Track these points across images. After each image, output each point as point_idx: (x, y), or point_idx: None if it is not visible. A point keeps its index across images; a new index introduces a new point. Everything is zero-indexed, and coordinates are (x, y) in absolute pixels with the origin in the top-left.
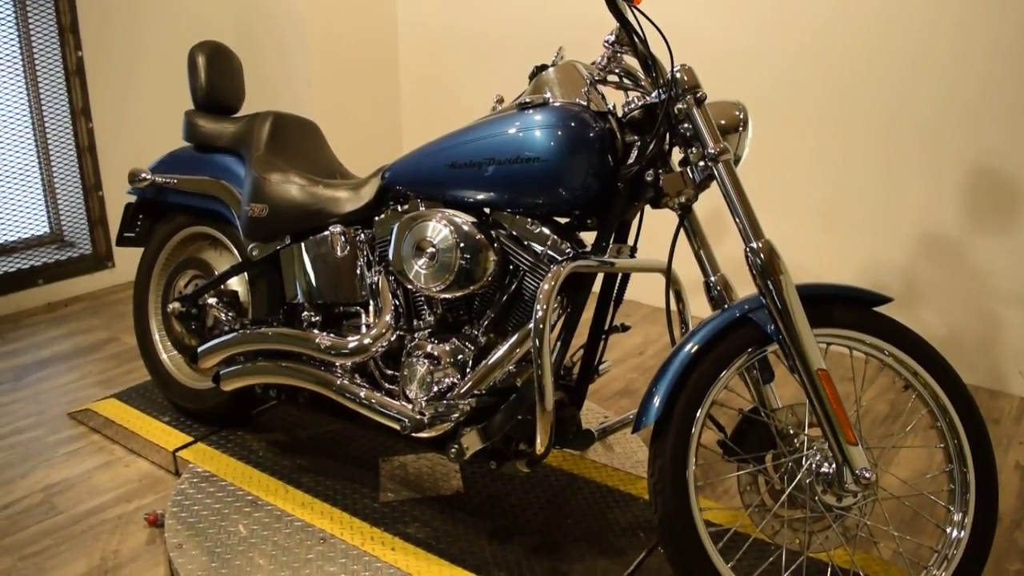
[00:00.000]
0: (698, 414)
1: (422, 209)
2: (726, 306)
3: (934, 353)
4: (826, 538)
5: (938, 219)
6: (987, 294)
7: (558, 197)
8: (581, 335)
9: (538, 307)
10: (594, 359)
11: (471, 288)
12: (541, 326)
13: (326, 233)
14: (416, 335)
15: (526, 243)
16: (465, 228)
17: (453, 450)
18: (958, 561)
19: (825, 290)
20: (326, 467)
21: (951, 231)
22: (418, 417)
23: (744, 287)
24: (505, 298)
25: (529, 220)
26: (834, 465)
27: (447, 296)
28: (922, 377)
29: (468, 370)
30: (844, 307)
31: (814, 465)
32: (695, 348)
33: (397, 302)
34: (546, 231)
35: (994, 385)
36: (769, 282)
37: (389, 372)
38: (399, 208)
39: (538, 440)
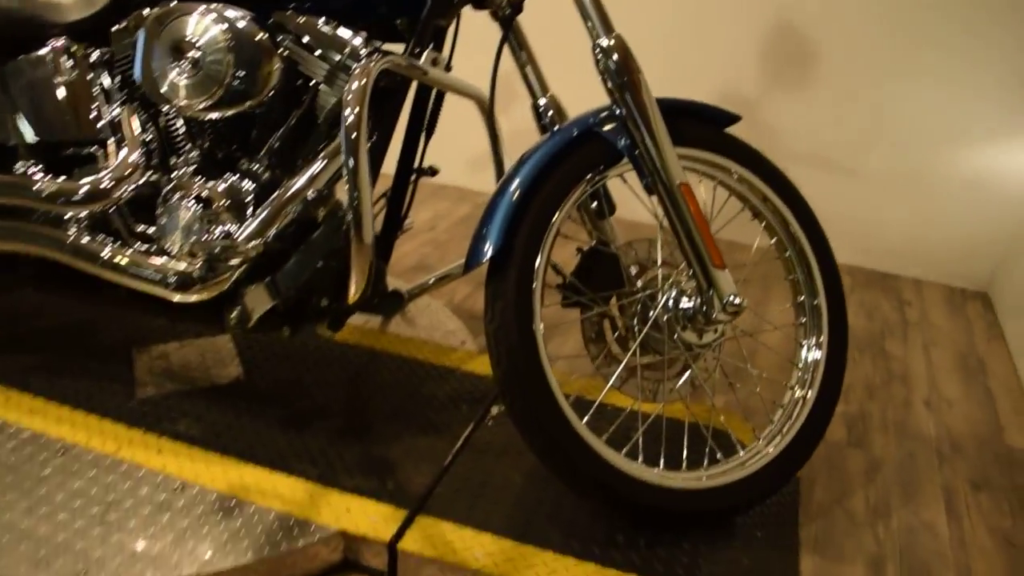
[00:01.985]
0: (543, 245)
1: (176, 3)
2: (572, 122)
3: (784, 179)
4: (680, 384)
5: (738, 77)
6: (782, 154)
7: None
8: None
9: (348, 112)
10: (402, 205)
11: (247, 104)
12: (354, 135)
13: (45, 50)
14: (175, 176)
15: (319, 50)
16: (240, 24)
17: (234, 316)
18: (820, 380)
19: (670, 105)
20: (63, 365)
21: (749, 90)
22: (185, 270)
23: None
24: (293, 121)
25: (322, 21)
26: (696, 297)
27: (215, 116)
28: (772, 203)
29: (248, 213)
30: (692, 125)
31: (671, 300)
32: (534, 172)
33: (147, 137)
34: (344, 34)
35: None
36: (624, 83)
37: (141, 229)
38: (145, 12)
39: (353, 284)
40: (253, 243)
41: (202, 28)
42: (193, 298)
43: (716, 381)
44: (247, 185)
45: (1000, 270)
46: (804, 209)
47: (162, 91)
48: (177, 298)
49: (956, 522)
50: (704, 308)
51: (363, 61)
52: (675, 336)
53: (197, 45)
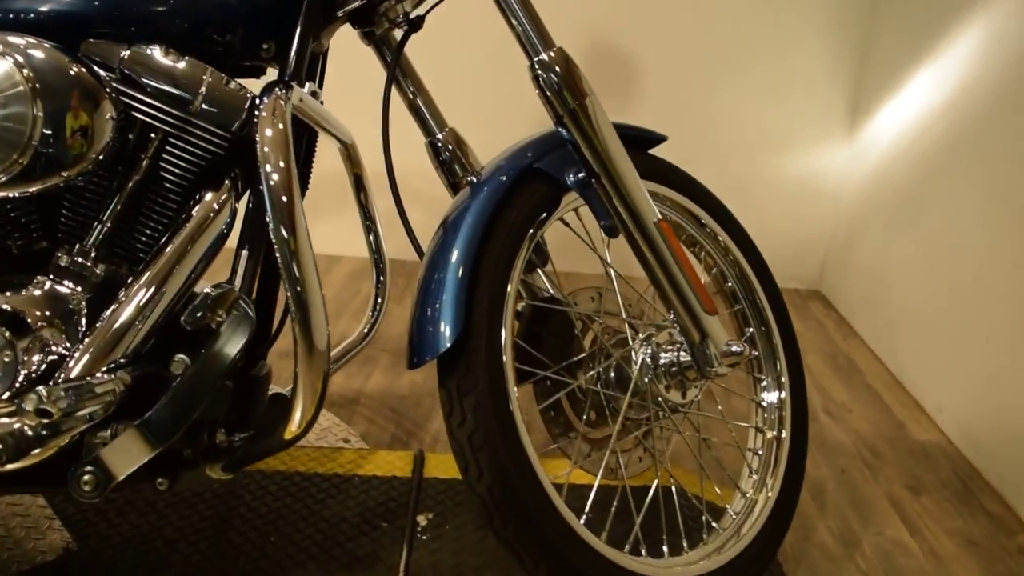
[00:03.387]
0: (504, 318)
1: None
2: (502, 160)
3: (717, 201)
4: (663, 451)
5: None
6: None
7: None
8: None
9: (272, 167)
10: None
11: (65, 175)
12: (285, 197)
13: None
14: None
15: (163, 87)
16: (42, 57)
17: (87, 479)
18: (790, 415)
19: None
20: None
21: None
22: (18, 426)
23: None
24: (128, 191)
25: (156, 51)
26: (679, 350)
27: (14, 195)
28: (709, 227)
29: (82, 327)
30: None
31: (650, 359)
32: (476, 231)
33: None
34: (200, 65)
35: None
36: (572, 103)
37: None
38: None
39: (298, 412)
40: (99, 381)
41: None
42: (22, 464)
43: (690, 440)
44: (71, 291)
45: (828, 266)
46: (741, 232)
47: None
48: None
49: (918, 534)
50: (698, 362)
51: (272, 98)
52: (658, 398)
53: None
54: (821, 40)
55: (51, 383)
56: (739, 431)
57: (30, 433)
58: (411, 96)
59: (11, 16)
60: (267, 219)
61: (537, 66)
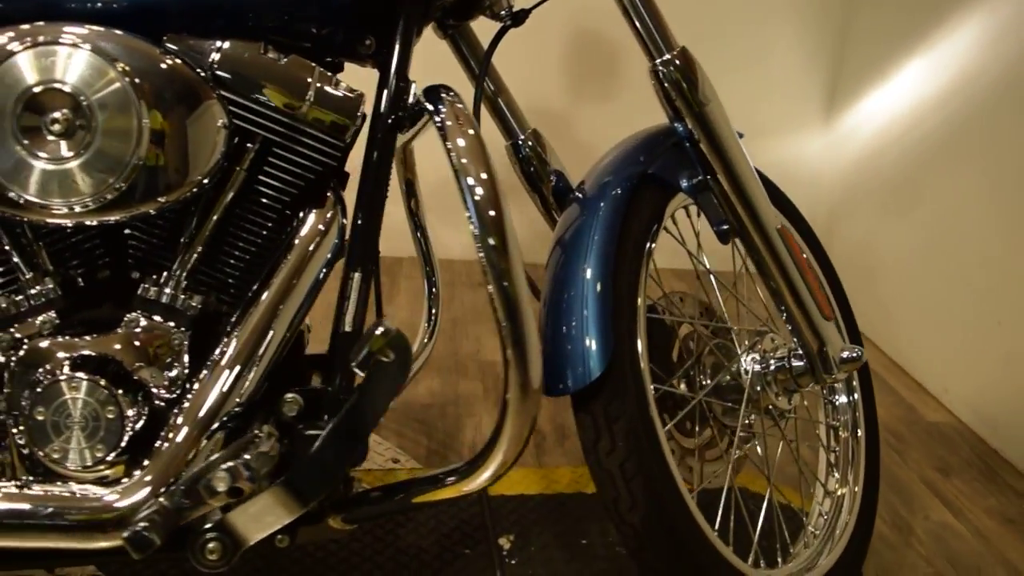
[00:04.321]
0: (638, 337)
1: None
2: (610, 167)
3: (775, 188)
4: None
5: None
6: None
7: None
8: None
9: (468, 170)
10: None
11: (174, 197)
12: (493, 210)
13: None
14: (25, 333)
15: (266, 89)
16: (146, 56)
17: (213, 544)
18: (863, 415)
19: None
20: None
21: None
22: (165, 501)
23: None
24: (221, 207)
25: (255, 46)
26: (792, 357)
27: (114, 220)
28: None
29: (185, 370)
30: None
31: (758, 364)
32: (606, 246)
33: None
34: (306, 64)
35: None
36: (697, 103)
37: None
38: None
39: (502, 454)
40: (265, 442)
41: (81, 64)
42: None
43: (781, 445)
44: (167, 328)
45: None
46: (803, 222)
47: (12, 190)
48: (103, 543)
49: (961, 516)
50: (815, 368)
51: (448, 104)
52: (768, 406)
53: (81, 94)
54: (800, 23)
55: (236, 459)
56: (810, 433)
57: (177, 506)
58: (491, 95)
59: (73, 5)
60: (475, 241)
61: (661, 65)
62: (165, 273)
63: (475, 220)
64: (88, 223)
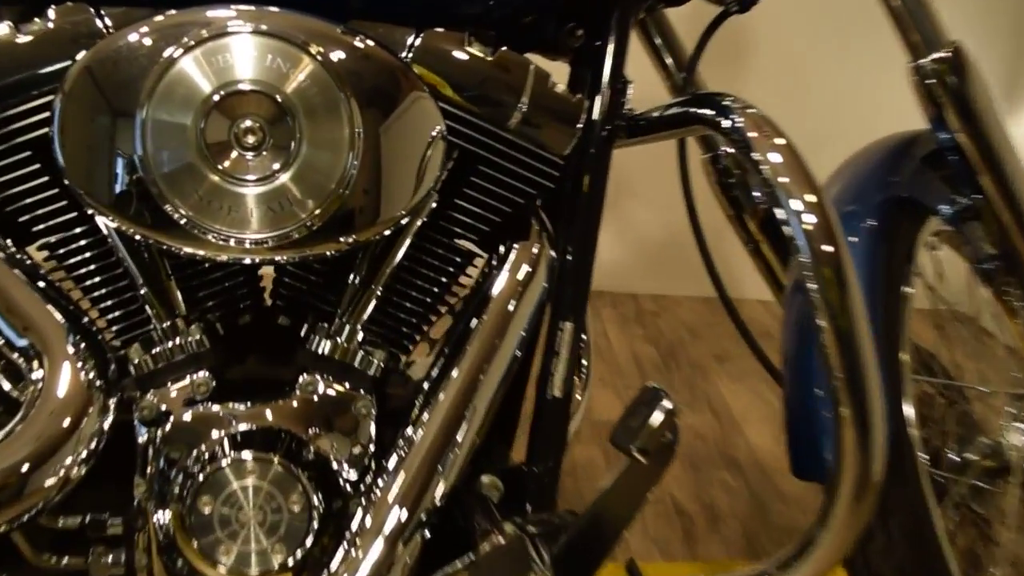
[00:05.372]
0: (906, 406)
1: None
2: (851, 190)
3: None
4: None
5: None
6: None
7: None
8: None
9: (790, 189)
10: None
11: (391, 222)
12: (823, 233)
13: None
14: (172, 402)
15: (474, 90)
16: (342, 40)
17: None
18: None
19: None
20: None
21: None
22: None
23: None
24: (404, 239)
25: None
26: None
27: (313, 255)
28: None
29: (370, 444)
30: None
31: None
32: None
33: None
34: (520, 60)
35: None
36: (970, 110)
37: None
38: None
39: (833, 533)
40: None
41: (264, 62)
42: None
43: None
44: (346, 391)
45: None
46: None
47: (178, 221)
48: None
49: None
50: None
51: (739, 107)
52: None
53: (279, 102)
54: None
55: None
56: None
57: None
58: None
59: None
60: (806, 278)
61: (932, 65)
62: (335, 322)
63: (806, 252)
64: (270, 259)
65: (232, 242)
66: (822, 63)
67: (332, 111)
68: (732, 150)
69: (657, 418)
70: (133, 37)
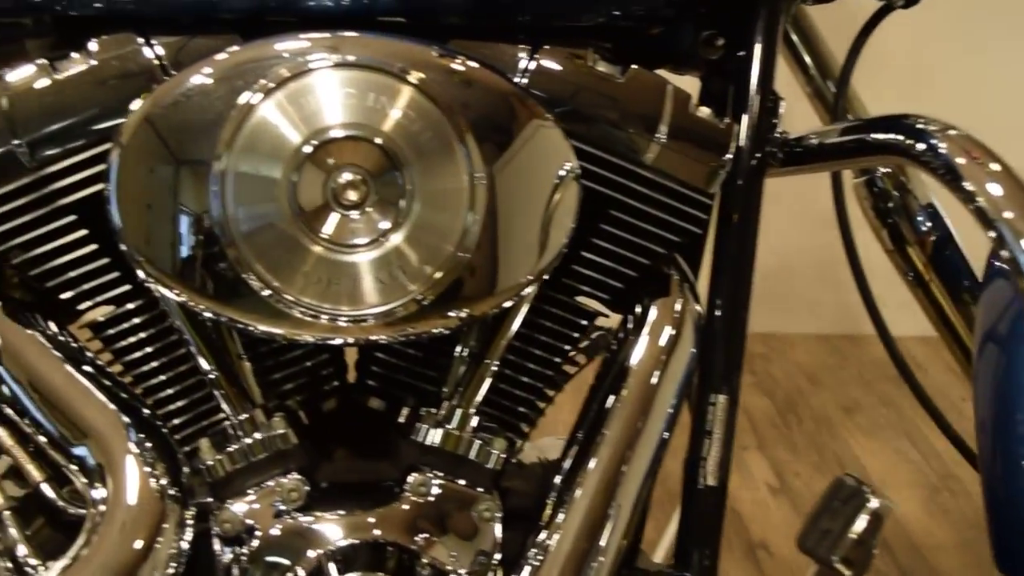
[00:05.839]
0: None
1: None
2: None
3: None
4: None
5: None
6: None
7: None
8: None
9: None
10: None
11: (518, 287)
12: None
13: None
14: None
15: (608, 119)
16: (451, 68)
17: None
18: None
19: None
20: None
21: None
22: None
23: None
24: (541, 310)
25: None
26: None
27: (420, 333)
28: None
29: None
30: None
31: None
32: None
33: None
34: (657, 78)
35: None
36: None
37: None
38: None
39: None
40: None
41: (361, 101)
42: None
43: None
44: (465, 491)
45: None
46: None
47: (259, 292)
48: None
49: None
50: None
51: (939, 131)
52: None
53: (383, 148)
54: None
55: None
56: None
57: None
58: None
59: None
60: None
61: None
62: (443, 405)
63: None
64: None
65: (324, 319)
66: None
67: (446, 153)
68: (898, 174)
69: (862, 523)
70: (198, 80)
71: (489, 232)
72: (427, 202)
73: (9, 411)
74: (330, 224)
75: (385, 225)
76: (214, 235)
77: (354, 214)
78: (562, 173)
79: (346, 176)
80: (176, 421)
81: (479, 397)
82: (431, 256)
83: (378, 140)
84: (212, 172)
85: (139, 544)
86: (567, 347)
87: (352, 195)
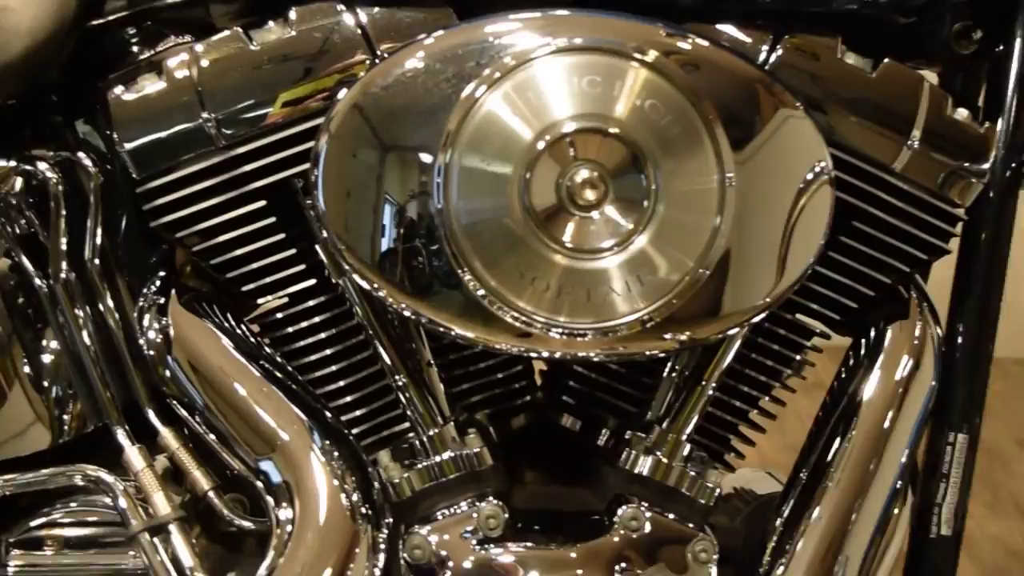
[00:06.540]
0: None
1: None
2: None
3: None
4: None
5: None
6: None
7: None
8: None
9: None
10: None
11: (764, 306)
12: None
13: None
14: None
15: (868, 120)
16: (698, 52)
17: None
18: None
19: None
20: None
21: None
22: None
23: None
24: (761, 328)
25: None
26: None
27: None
28: None
29: None
30: None
31: None
32: None
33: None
34: (908, 73)
35: None
36: None
37: None
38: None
39: None
40: None
41: (598, 91)
42: None
43: None
44: (683, 525)
45: None
46: None
47: (474, 292)
48: None
49: None
50: None
51: None
52: None
53: (623, 141)
54: None
55: None
56: None
57: None
58: None
59: None
60: None
61: None
62: (654, 429)
63: None
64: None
65: (536, 328)
66: None
67: (695, 146)
68: None
69: None
70: (410, 67)
71: (732, 244)
72: (672, 201)
73: (178, 407)
74: (564, 226)
75: (627, 230)
76: (430, 228)
77: (592, 215)
78: (814, 174)
79: (583, 174)
80: (355, 431)
81: (692, 424)
82: (670, 270)
83: (616, 131)
84: (435, 164)
85: (328, 572)
86: (785, 370)
87: (590, 195)
